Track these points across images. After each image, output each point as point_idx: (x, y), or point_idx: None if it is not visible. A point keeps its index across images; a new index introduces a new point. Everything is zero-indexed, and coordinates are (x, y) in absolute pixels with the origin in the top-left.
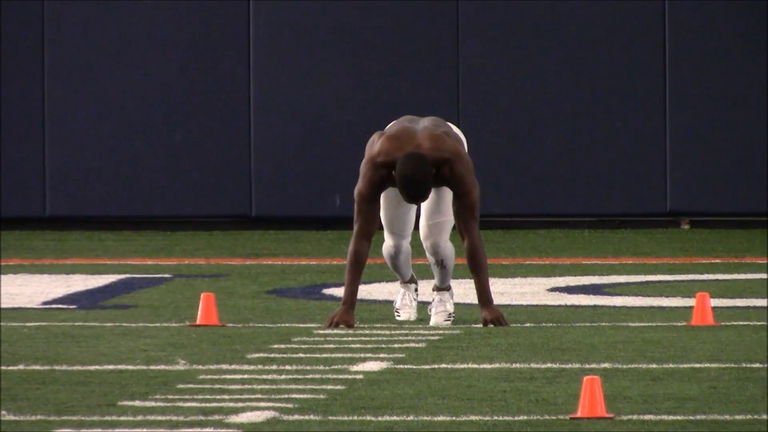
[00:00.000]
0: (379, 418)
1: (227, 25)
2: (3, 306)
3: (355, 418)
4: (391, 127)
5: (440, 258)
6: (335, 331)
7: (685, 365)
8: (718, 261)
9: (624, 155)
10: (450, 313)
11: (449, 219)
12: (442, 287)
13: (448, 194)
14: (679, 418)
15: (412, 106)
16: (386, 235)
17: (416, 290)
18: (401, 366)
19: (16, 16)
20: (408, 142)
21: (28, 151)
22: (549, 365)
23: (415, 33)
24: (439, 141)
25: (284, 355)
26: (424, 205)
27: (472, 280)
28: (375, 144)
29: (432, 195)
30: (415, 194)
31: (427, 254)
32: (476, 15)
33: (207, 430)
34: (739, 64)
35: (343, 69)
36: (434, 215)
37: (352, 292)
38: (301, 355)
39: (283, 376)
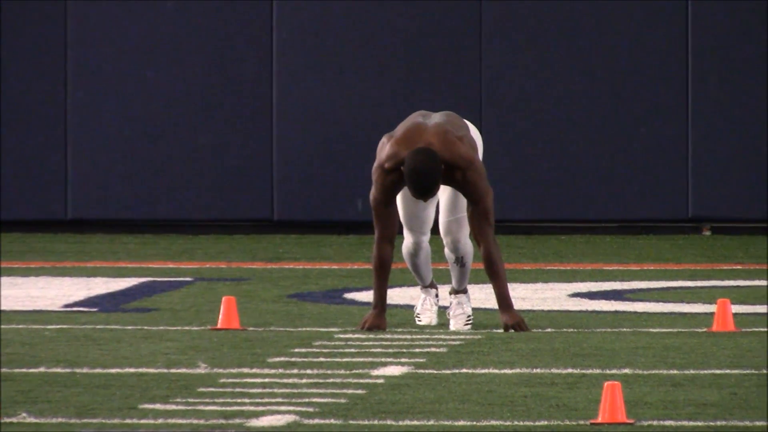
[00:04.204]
0: (400, 423)
1: (250, 28)
2: (25, 308)
3: (376, 422)
4: (402, 125)
5: (460, 255)
6: (357, 336)
7: (705, 371)
8: (739, 267)
9: (646, 161)
10: (469, 316)
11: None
12: (460, 290)
13: None
14: (699, 424)
15: (435, 109)
16: (405, 233)
17: (437, 295)
18: (422, 370)
19: (39, 18)
20: (417, 141)
21: (50, 153)
22: (570, 370)
23: (438, 35)
24: (452, 146)
25: (305, 359)
26: (442, 202)
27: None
28: (384, 147)
29: (449, 191)
30: (422, 188)
31: (447, 251)
32: (499, 18)
33: None
34: (762, 69)
35: (365, 72)
36: (453, 211)
37: (381, 296)
38: (322, 359)
39: (304, 380)
